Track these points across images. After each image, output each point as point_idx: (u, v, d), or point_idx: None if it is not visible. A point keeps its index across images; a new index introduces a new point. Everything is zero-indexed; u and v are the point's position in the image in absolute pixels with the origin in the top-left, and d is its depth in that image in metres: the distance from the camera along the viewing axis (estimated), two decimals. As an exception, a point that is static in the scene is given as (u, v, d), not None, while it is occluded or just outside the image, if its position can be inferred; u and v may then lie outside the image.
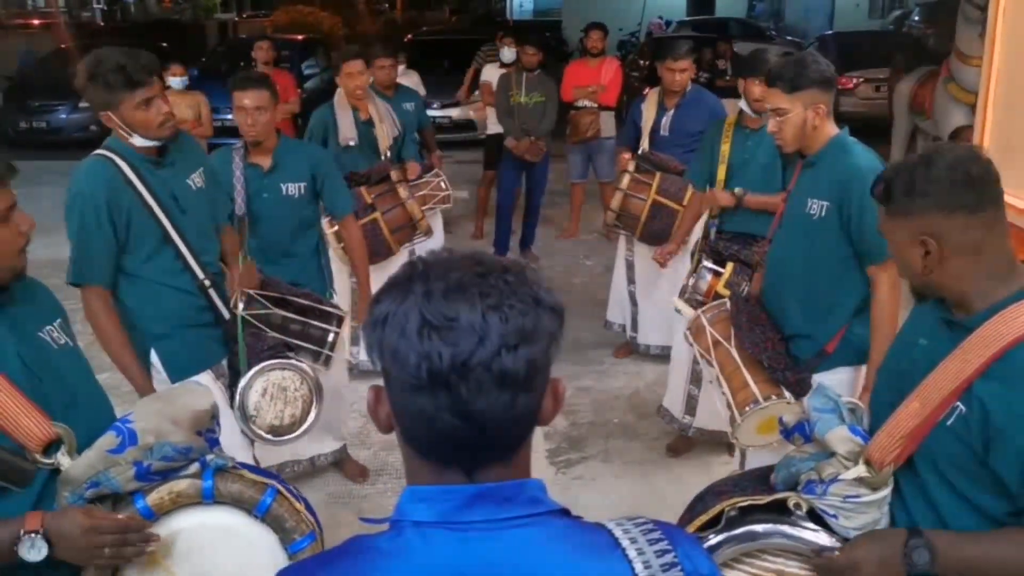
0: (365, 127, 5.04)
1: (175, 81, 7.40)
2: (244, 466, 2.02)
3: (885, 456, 1.70)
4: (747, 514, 1.84)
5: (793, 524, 1.80)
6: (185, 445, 1.86)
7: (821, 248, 2.85)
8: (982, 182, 1.63)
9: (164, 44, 13.12)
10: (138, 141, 2.78)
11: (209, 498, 1.89)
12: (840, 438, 1.77)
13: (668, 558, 0.98)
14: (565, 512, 1.02)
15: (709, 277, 3.81)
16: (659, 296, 5.13)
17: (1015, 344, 1.56)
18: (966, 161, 1.64)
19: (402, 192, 4.83)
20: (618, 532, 1.01)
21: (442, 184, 5.46)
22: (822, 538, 1.77)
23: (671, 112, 5.08)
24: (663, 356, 5.22)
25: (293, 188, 3.74)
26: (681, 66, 4.98)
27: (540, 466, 4.07)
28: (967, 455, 1.61)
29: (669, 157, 4.96)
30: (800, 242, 2.93)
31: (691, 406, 4.18)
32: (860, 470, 1.72)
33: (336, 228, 4.33)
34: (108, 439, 1.81)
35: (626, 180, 4.86)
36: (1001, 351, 1.56)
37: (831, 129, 2.86)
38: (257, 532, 1.94)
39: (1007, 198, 3.89)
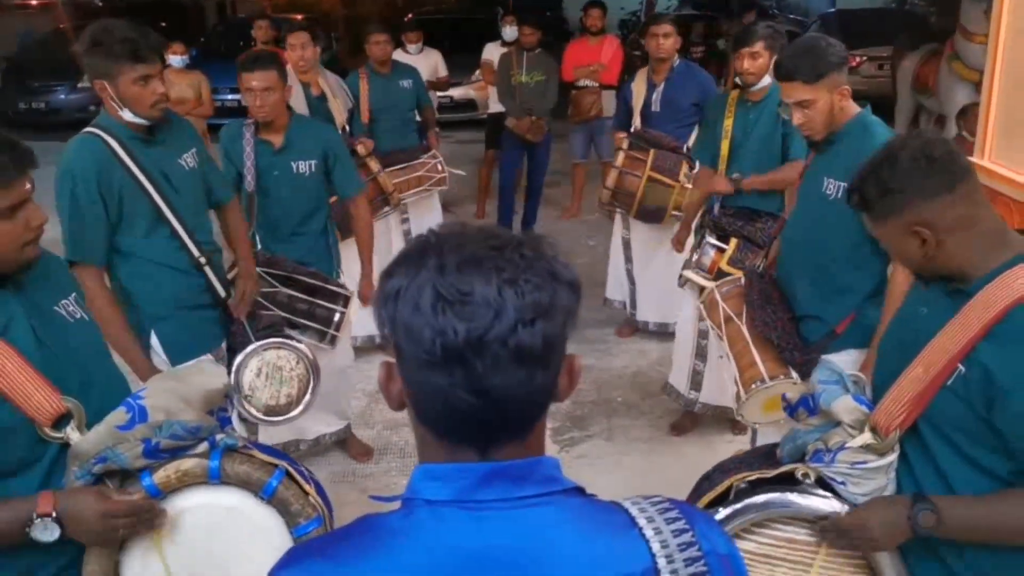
0: (318, 102, 5.00)
1: (175, 60, 7.37)
2: (256, 446, 2.02)
3: (891, 422, 1.73)
4: (757, 487, 1.86)
5: (802, 492, 1.82)
6: (195, 424, 1.86)
7: (836, 229, 2.79)
8: (948, 160, 1.68)
9: (163, 23, 13.04)
10: (128, 116, 2.76)
11: (216, 478, 1.89)
12: (846, 407, 1.79)
13: (686, 537, 0.96)
14: (580, 490, 1.00)
15: (712, 253, 3.81)
16: (656, 274, 5.14)
17: (1015, 306, 1.59)
18: (926, 146, 1.69)
19: (373, 166, 4.82)
20: (634, 511, 0.99)
21: (439, 166, 5.43)
22: (832, 504, 1.79)
23: (660, 87, 5.06)
24: (662, 334, 5.24)
25: (304, 166, 3.71)
26: (664, 30, 4.95)
27: (543, 445, 4.09)
28: (969, 415, 1.64)
29: (662, 134, 4.94)
30: (815, 222, 2.88)
31: (696, 381, 4.20)
32: (866, 437, 1.74)
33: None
34: (118, 415, 1.81)
35: (620, 157, 4.84)
36: (1001, 313, 1.60)
37: (852, 107, 2.81)
38: (263, 514, 1.94)
39: (1011, 175, 3.87)
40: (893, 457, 1.74)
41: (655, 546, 0.95)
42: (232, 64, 3.66)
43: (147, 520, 1.81)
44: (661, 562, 0.95)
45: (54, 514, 1.68)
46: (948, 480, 1.71)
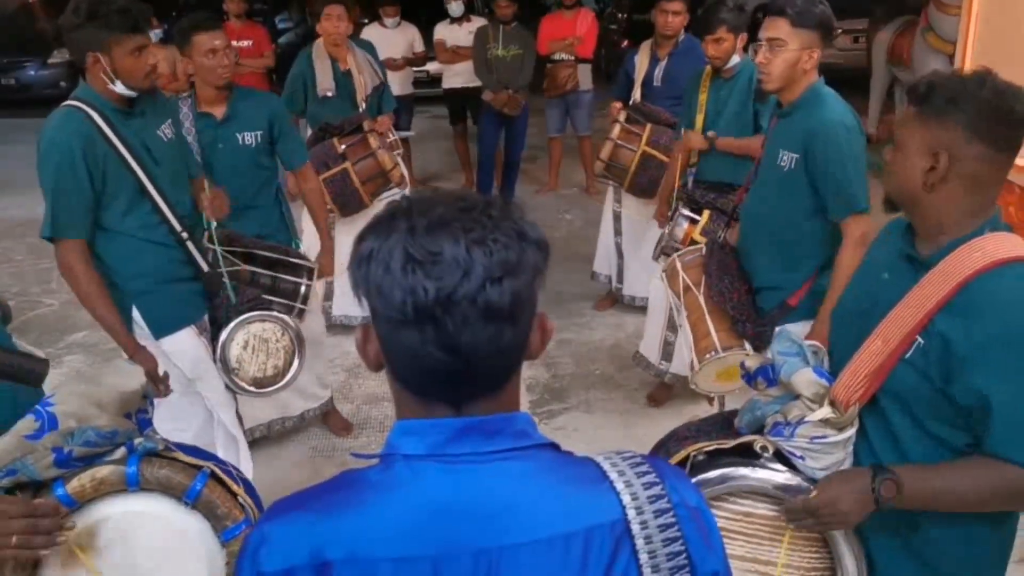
0: (344, 77, 4.95)
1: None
2: (179, 447, 1.94)
3: (850, 396, 1.71)
4: (714, 458, 1.84)
5: (761, 466, 1.80)
6: (110, 429, 1.76)
7: (790, 200, 2.84)
8: (1019, 124, 1.61)
9: (134, -2, 12.82)
10: (119, 88, 2.72)
11: (134, 485, 1.81)
12: (806, 380, 1.77)
13: (656, 490, 0.99)
14: (554, 446, 1.03)
15: (685, 225, 3.83)
16: (645, 248, 5.14)
17: (973, 277, 1.57)
18: (1015, 97, 1.60)
19: (372, 142, 4.71)
20: (606, 465, 1.02)
21: (389, 133, 5.34)
22: (791, 479, 1.77)
23: (663, 62, 5.05)
24: (643, 308, 5.26)
25: (250, 137, 3.62)
26: (674, 8, 4.92)
27: (522, 417, 4.11)
28: (927, 387, 1.63)
29: (660, 109, 4.94)
30: (771, 194, 2.92)
31: (667, 352, 4.24)
32: (826, 411, 1.72)
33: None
34: (26, 424, 1.71)
35: (617, 130, 4.82)
36: (960, 285, 1.58)
37: (813, 77, 2.84)
38: (188, 519, 1.87)
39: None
40: (852, 431, 1.73)
41: (625, 498, 0.98)
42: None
43: (47, 528, 1.64)
44: (631, 513, 0.97)
45: None
46: (905, 453, 1.70)
